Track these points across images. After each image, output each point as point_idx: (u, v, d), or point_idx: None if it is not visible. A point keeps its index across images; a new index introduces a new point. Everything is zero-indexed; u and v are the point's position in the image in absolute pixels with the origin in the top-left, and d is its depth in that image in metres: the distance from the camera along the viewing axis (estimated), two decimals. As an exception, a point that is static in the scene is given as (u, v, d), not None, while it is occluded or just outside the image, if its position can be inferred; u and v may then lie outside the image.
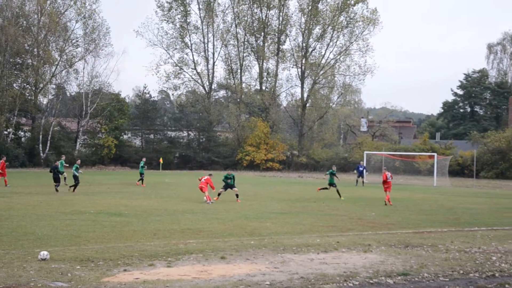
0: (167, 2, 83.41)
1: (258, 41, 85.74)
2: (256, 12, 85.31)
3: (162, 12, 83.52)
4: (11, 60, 71.40)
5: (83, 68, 77.74)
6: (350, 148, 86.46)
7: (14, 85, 72.34)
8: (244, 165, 77.32)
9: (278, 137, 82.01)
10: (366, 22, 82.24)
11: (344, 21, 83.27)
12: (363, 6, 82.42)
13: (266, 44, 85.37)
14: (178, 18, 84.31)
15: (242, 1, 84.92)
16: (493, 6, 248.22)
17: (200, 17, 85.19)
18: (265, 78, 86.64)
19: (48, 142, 70.96)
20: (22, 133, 75.69)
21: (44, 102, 78.91)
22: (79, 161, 37.91)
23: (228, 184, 30.88)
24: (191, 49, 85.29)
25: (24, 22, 73.80)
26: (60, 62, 75.20)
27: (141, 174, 43.30)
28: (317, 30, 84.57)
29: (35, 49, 73.40)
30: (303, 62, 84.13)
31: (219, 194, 30.76)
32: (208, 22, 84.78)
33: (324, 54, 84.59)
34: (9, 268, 12.19)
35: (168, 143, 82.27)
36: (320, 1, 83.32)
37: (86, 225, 19.36)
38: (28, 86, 74.90)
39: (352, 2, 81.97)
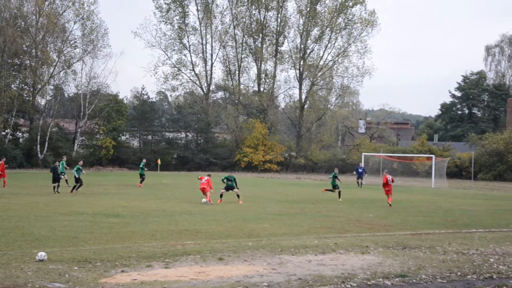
0: (165, 3, 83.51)
1: (256, 43, 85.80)
2: (254, 14, 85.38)
3: (160, 13, 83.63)
4: (9, 61, 71.39)
5: (81, 69, 77.79)
6: (348, 149, 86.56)
7: (12, 86, 72.29)
8: (242, 166, 77.33)
9: (276, 138, 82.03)
10: (364, 24, 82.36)
11: (342, 22, 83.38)
12: (361, 8, 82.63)
13: (264, 46, 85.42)
14: (176, 19, 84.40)
15: (240, 2, 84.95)
16: (491, 8, 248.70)
17: (198, 18, 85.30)
18: (263, 80, 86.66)
19: (46, 143, 70.90)
20: (20, 134, 75.64)
21: (42, 103, 78.94)
22: (81, 162, 37.93)
23: (229, 186, 30.86)
24: (189, 50, 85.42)
25: (22, 23, 73.80)
26: (58, 63, 75.22)
27: (142, 175, 43.39)
28: (315, 32, 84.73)
29: (33, 50, 73.37)
30: (301, 63, 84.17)
31: (221, 196, 30.76)
32: (206, 23, 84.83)
33: (322, 55, 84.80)
34: (6, 269, 12.17)
35: (166, 144, 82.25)
36: (318, 3, 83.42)
37: (84, 226, 19.34)
38: (26, 87, 74.92)
39: (350, 3, 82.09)
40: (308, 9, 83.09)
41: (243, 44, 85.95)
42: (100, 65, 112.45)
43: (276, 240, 17.23)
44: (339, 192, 34.59)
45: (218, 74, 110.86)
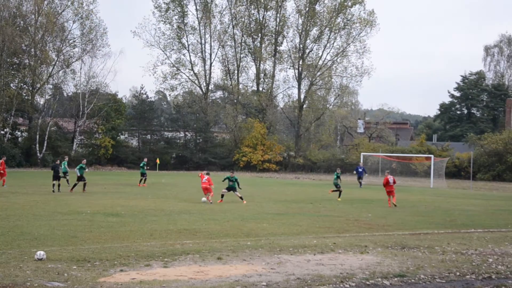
0: (164, 3, 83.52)
1: (255, 42, 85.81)
2: (253, 13, 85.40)
3: (159, 12, 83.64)
4: (8, 60, 71.34)
5: (80, 69, 77.76)
6: (347, 149, 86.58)
7: (11, 85, 72.25)
8: (241, 166, 77.33)
9: (275, 138, 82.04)
10: (363, 24, 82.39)
11: (341, 22, 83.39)
12: (360, 8, 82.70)
13: (263, 45, 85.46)
14: (175, 19, 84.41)
15: (239, 2, 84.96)
16: (490, 8, 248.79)
17: (197, 18, 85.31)
18: (262, 79, 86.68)
19: (45, 142, 70.87)
20: (19, 133, 75.65)
21: (41, 102, 78.94)
22: (84, 161, 38.01)
23: (231, 187, 30.82)
24: (188, 50, 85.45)
25: (22, 22, 73.77)
26: (57, 62, 75.21)
27: (143, 174, 43.44)
28: (314, 32, 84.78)
29: (32, 49, 73.33)
30: (300, 63, 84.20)
31: (222, 196, 30.76)
32: (205, 23, 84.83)
33: (321, 55, 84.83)
34: (5, 268, 12.17)
35: (165, 143, 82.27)
36: (318, 3, 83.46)
37: (82, 225, 19.34)
38: (25, 86, 74.87)
39: (349, 3, 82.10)
40: (307, 9, 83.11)
41: (242, 43, 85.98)
42: (99, 64, 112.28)
43: (275, 240, 17.23)
44: (340, 192, 34.62)
45: (217, 73, 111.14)
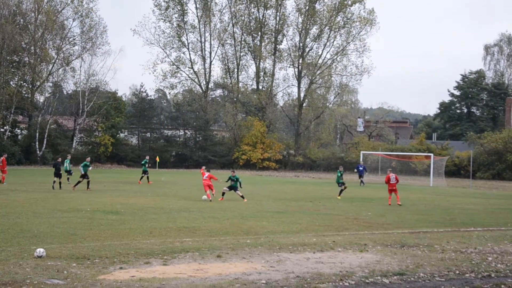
0: (164, 1, 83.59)
1: (255, 41, 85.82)
2: (253, 12, 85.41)
3: (159, 11, 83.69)
4: (8, 58, 71.37)
5: (80, 67, 77.79)
6: (346, 148, 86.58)
7: (11, 82, 72.28)
8: (241, 164, 77.37)
9: (274, 136, 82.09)
10: (363, 23, 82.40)
11: (341, 21, 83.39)
12: (360, 7, 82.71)
13: (263, 44, 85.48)
14: (175, 17, 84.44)
15: (239, 0, 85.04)
16: (490, 7, 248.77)
17: (197, 16, 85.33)
18: (262, 78, 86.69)
19: (45, 140, 70.90)
20: (18, 130, 75.64)
21: (41, 100, 79.05)
22: (88, 159, 38.02)
23: (233, 186, 30.83)
24: (188, 48, 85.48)
25: (21, 20, 73.76)
26: (57, 60, 75.25)
27: (144, 172, 43.48)
28: (314, 30, 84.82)
29: (32, 47, 73.35)
30: (300, 62, 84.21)
31: (223, 194, 30.77)
32: (205, 21, 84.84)
33: (321, 54, 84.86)
34: (5, 265, 12.17)
35: (165, 141, 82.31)
36: (317, 1, 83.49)
37: (82, 223, 19.34)
38: (25, 84, 74.89)
39: (349, 2, 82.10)
40: (307, 7, 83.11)
41: (242, 42, 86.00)
42: (99, 62, 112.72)
43: (274, 238, 17.23)
44: (341, 190, 34.60)
45: (216, 72, 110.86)
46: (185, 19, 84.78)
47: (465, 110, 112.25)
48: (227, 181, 31.32)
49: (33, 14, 73.78)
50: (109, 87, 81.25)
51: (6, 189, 33.03)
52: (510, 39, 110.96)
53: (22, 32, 71.58)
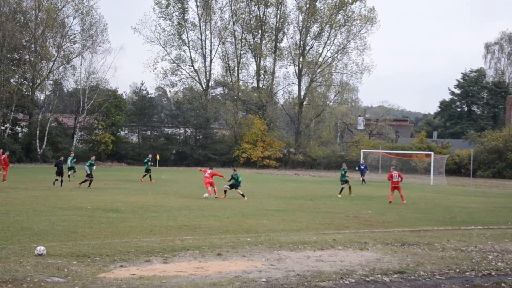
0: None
1: (256, 39, 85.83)
2: (254, 10, 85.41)
3: (160, 9, 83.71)
4: (8, 55, 71.37)
5: (81, 64, 77.78)
6: (347, 146, 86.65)
7: (12, 80, 72.28)
8: (241, 162, 77.39)
9: (275, 134, 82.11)
10: (364, 21, 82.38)
11: (341, 19, 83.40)
12: (361, 5, 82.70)
13: (263, 42, 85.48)
14: (176, 15, 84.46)
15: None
16: (491, 5, 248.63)
17: (197, 14, 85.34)
18: (262, 76, 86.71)
19: (45, 137, 70.91)
20: (19, 128, 75.69)
21: (41, 98, 79.05)
22: (93, 157, 38.03)
23: (233, 184, 30.87)
24: (188, 46, 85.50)
25: (22, 18, 73.78)
26: (58, 58, 75.23)
27: (147, 170, 43.57)
28: (314, 28, 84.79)
29: (33, 45, 73.33)
30: (301, 60, 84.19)
31: (225, 192, 30.81)
32: (206, 19, 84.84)
33: (322, 52, 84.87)
34: (5, 263, 12.17)
35: (165, 139, 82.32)
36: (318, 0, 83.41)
37: (82, 221, 19.34)
38: (25, 81, 74.94)
39: (350, 0, 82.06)
40: (308, 5, 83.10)
41: (242, 40, 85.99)
42: (99, 60, 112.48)
43: (274, 236, 17.23)
44: (341, 189, 34.64)
45: (217, 70, 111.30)
46: (185, 17, 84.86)
47: (466, 109, 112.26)
48: (229, 180, 31.37)
49: (33, 12, 73.76)
50: (110, 85, 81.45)
51: (6, 187, 33.04)
52: (510, 38, 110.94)
53: (22, 30, 71.56)
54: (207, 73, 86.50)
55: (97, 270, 11.82)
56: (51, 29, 73.21)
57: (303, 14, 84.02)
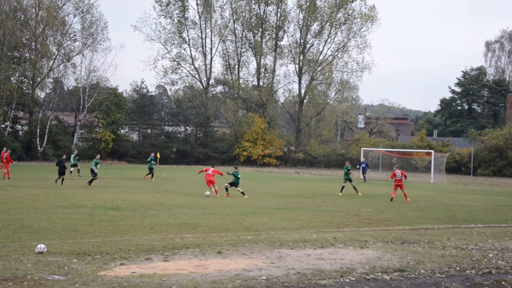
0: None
1: (256, 37, 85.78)
2: (254, 8, 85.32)
3: (160, 7, 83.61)
4: (8, 53, 71.36)
5: (81, 63, 77.77)
6: (347, 144, 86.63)
7: (12, 78, 72.25)
8: (241, 160, 77.35)
9: (275, 133, 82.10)
10: (364, 19, 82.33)
11: (342, 17, 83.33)
12: (361, 3, 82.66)
13: (264, 40, 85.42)
14: (176, 13, 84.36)
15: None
16: (491, 3, 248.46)
17: (198, 12, 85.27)
18: (262, 74, 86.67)
19: (46, 136, 70.91)
20: (19, 126, 75.71)
21: (42, 96, 78.99)
22: (98, 156, 38.11)
23: (233, 182, 30.89)
24: (188, 44, 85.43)
25: (22, 16, 73.77)
26: (58, 56, 75.20)
27: (150, 168, 43.66)
28: (315, 27, 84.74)
29: (33, 43, 73.31)
30: (301, 58, 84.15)
31: (226, 189, 30.84)
32: (206, 17, 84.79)
33: (322, 50, 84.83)
34: (6, 261, 12.18)
35: (165, 138, 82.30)
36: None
37: (83, 219, 19.35)
38: (25, 79, 74.95)
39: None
40: (308, 3, 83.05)
41: (243, 38, 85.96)
42: (100, 58, 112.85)
43: (275, 234, 17.24)
44: (342, 187, 34.66)
45: (217, 68, 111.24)
46: (186, 15, 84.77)
47: (466, 107, 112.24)
48: (230, 174, 31.43)
49: (33, 10, 73.73)
50: (110, 83, 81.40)
51: (7, 185, 33.06)
52: (511, 36, 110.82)
53: (23, 28, 71.55)
54: (208, 71, 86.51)
55: (98, 268, 11.83)
56: (52, 27, 73.20)
57: (303, 12, 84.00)
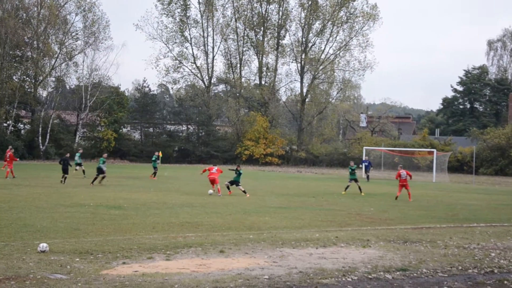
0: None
1: (258, 36, 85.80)
2: (256, 7, 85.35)
3: (162, 5, 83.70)
4: (10, 52, 71.45)
5: (83, 61, 78.05)
6: (349, 143, 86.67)
7: (14, 77, 72.40)
8: (243, 159, 77.38)
9: (277, 131, 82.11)
10: (366, 18, 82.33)
11: (344, 16, 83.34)
12: (363, 2, 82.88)
13: (265, 39, 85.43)
14: (178, 12, 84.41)
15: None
16: (494, 2, 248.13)
17: (200, 11, 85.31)
18: (264, 73, 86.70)
19: (48, 134, 71.02)
20: (21, 125, 75.84)
21: (44, 95, 79.12)
22: (105, 155, 38.16)
23: (234, 180, 30.91)
24: (190, 43, 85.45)
25: (24, 14, 73.85)
26: (60, 55, 75.33)
27: (154, 167, 43.67)
28: (317, 25, 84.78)
29: (35, 42, 73.41)
30: (303, 57, 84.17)
31: (228, 187, 30.87)
32: (208, 16, 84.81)
33: (324, 49, 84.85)
34: (8, 259, 12.18)
35: (167, 136, 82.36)
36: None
37: (85, 218, 19.35)
38: (27, 78, 75.00)
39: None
40: (310, 2, 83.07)
41: (245, 37, 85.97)
42: (102, 57, 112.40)
43: (277, 233, 17.23)
44: (347, 186, 34.63)
45: (219, 67, 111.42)
46: (187, 14, 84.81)
47: (468, 106, 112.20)
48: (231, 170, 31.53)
49: (35, 9, 73.85)
50: (112, 82, 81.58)
51: (9, 184, 33.09)
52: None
53: (24, 27, 71.65)
54: (209, 70, 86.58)
55: (100, 267, 11.83)
56: (53, 26, 73.30)
57: (305, 11, 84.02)
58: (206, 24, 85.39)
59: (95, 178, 34.81)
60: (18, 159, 41.11)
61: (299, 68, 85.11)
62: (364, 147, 63.38)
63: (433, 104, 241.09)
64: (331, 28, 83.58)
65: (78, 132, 76.65)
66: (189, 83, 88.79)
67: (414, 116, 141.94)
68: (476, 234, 18.41)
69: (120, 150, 77.49)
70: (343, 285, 11.04)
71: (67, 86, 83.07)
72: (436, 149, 62.83)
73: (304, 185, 42.52)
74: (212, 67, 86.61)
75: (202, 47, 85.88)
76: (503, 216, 24.43)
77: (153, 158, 44.82)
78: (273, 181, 46.62)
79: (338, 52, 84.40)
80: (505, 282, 11.77)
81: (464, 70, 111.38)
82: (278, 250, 14.39)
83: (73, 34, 76.92)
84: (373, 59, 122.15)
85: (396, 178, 31.51)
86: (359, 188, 34.62)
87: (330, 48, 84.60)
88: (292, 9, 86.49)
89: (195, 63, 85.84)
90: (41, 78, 74.39)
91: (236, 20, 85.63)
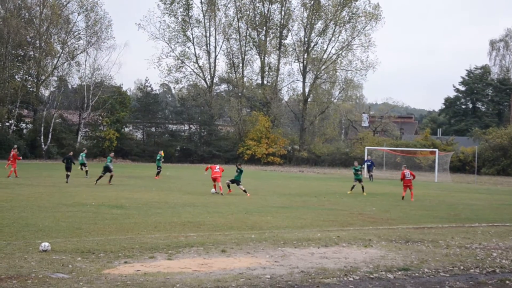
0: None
1: (260, 36, 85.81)
2: (258, 6, 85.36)
3: (164, 5, 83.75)
4: (13, 52, 71.52)
5: (85, 61, 77.97)
6: (351, 143, 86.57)
7: (16, 77, 72.48)
8: (245, 159, 77.37)
9: (279, 131, 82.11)
10: (368, 17, 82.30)
11: (346, 16, 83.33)
12: (366, 1, 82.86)
13: (268, 39, 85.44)
14: (180, 12, 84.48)
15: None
16: (496, 2, 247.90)
17: (202, 10, 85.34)
18: (266, 73, 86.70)
19: (50, 134, 71.10)
20: (23, 124, 75.92)
21: (46, 94, 79.18)
22: (112, 154, 38.33)
23: (234, 179, 30.94)
24: (193, 43, 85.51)
25: (26, 14, 73.91)
26: (62, 54, 75.39)
27: (158, 167, 43.63)
28: (319, 25, 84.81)
29: (37, 41, 73.46)
30: (305, 56, 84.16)
31: (228, 186, 30.91)
32: (210, 16, 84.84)
33: (326, 49, 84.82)
34: (10, 259, 12.20)
35: (169, 136, 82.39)
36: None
37: (87, 217, 19.36)
38: (30, 78, 75.05)
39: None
40: (312, 2, 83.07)
41: (247, 37, 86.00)
42: (104, 56, 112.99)
43: (279, 233, 17.22)
44: (353, 186, 34.62)
45: (221, 66, 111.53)
46: (190, 14, 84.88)
47: (470, 106, 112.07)
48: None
49: (38, 8, 73.93)
50: (114, 82, 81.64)
51: (11, 183, 33.13)
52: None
53: (27, 26, 71.72)
54: (212, 69, 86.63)
55: (102, 266, 11.84)
56: (56, 26, 73.37)
57: (307, 11, 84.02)
58: (208, 23, 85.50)
59: (100, 177, 34.86)
60: (21, 158, 41.15)
61: (301, 68, 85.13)
62: (366, 147, 63.33)
63: (435, 104, 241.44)
64: (334, 28, 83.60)
65: (80, 131, 76.72)
66: (191, 82, 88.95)
67: (416, 116, 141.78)
68: (478, 234, 18.39)
69: (122, 150, 77.52)
70: (344, 284, 11.04)
71: (69, 86, 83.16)
72: (438, 149, 62.77)
73: (306, 185, 42.51)
74: (214, 66, 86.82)
75: (204, 47, 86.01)
76: (505, 216, 24.41)
77: (158, 157, 44.78)
78: (275, 180, 46.61)
79: (340, 52, 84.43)
80: (507, 282, 11.76)
81: (466, 70, 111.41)
82: (280, 250, 14.39)
83: (75, 33, 77.08)
84: (375, 59, 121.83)
85: (401, 179, 31.42)
86: (362, 188, 34.60)
87: (332, 48, 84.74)
88: (295, 8, 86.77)
89: (197, 62, 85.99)
90: (43, 77, 74.48)
91: (238, 20, 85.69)
